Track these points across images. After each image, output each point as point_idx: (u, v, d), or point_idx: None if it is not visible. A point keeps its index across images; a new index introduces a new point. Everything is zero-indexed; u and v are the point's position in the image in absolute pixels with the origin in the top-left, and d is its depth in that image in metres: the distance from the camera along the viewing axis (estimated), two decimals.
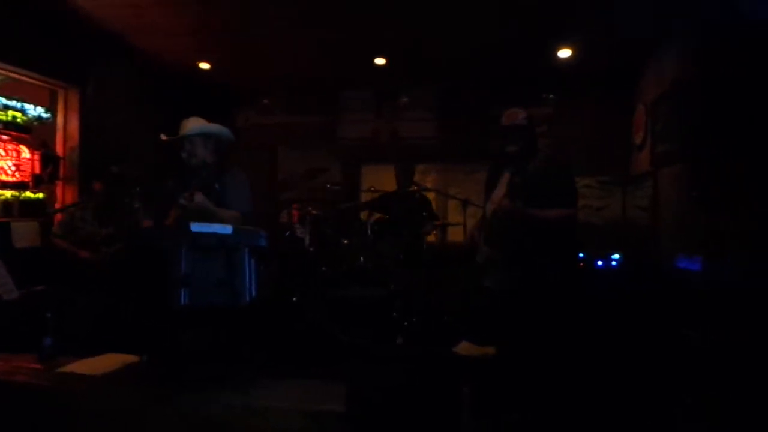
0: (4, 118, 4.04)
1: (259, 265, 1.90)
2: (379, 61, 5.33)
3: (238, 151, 2.94)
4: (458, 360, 3.10)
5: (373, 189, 4.69)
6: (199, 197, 2.35)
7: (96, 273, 3.33)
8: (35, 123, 4.34)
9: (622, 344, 3.06)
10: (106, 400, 1.97)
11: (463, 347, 3.32)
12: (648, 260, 4.19)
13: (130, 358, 2.22)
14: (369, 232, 4.28)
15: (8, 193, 4.06)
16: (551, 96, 6.00)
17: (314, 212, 4.42)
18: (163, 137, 2.65)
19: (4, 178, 4.07)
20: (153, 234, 1.90)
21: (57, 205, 4.55)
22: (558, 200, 2.43)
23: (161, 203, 2.62)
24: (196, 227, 1.80)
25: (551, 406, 2.29)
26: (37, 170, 4.32)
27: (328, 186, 5.46)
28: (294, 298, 3.96)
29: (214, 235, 1.82)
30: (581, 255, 4.22)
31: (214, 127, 2.68)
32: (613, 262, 4.10)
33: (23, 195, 4.18)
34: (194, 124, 2.65)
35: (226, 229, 1.86)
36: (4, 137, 4.07)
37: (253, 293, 1.86)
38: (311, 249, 4.28)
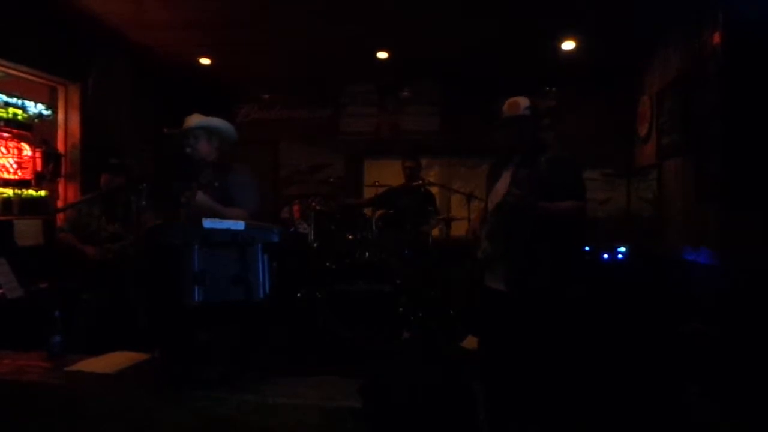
0: (4, 115, 4.00)
1: (271, 260, 1.88)
2: (382, 55, 5.29)
3: (239, 146, 2.91)
4: (466, 355, 3.11)
5: (377, 184, 4.67)
6: (200, 196, 2.32)
7: (102, 270, 3.30)
8: (36, 120, 4.29)
9: (631, 337, 3.05)
10: (117, 399, 1.95)
11: (470, 342, 3.31)
12: (654, 252, 4.17)
13: (140, 356, 2.19)
14: (374, 227, 4.26)
15: (10, 191, 4.03)
16: (554, 88, 5.97)
17: (318, 207, 4.39)
18: (166, 130, 2.62)
19: (5, 175, 4.03)
20: (165, 231, 1.86)
21: (59, 203, 4.52)
22: (566, 193, 2.33)
23: (168, 203, 2.59)
24: (208, 223, 1.77)
25: (560, 402, 2.27)
26: (39, 168, 4.29)
27: (331, 180, 5.45)
28: (298, 294, 3.94)
29: (227, 231, 1.79)
30: (587, 248, 4.21)
31: (217, 122, 2.65)
32: (620, 255, 4.09)
33: (25, 193, 4.14)
34: (198, 118, 2.62)
35: (239, 225, 1.83)
36: (5, 135, 4.03)
37: (267, 289, 1.84)
38: (315, 245, 4.26)
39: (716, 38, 3.51)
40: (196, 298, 1.74)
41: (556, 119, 5.74)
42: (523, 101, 2.42)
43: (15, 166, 4.10)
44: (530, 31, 4.62)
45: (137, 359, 2.15)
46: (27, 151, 4.20)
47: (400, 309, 3.85)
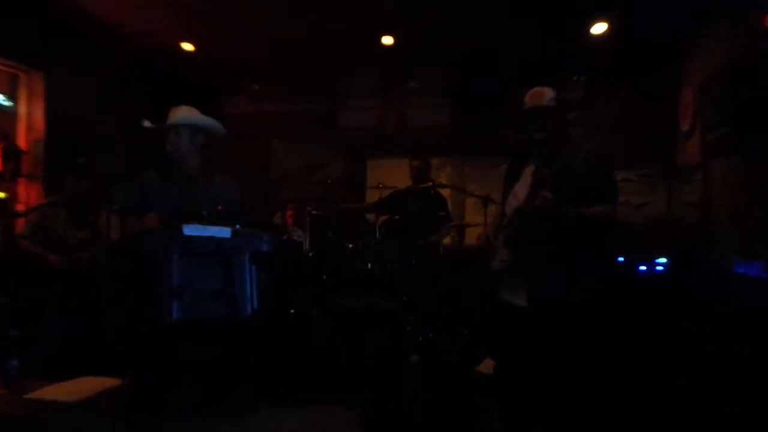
0: None
1: (260, 272, 1.87)
2: (387, 40, 5.29)
3: (225, 143, 2.91)
4: (482, 381, 3.08)
5: (381, 186, 4.66)
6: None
7: (68, 282, 3.29)
8: None
9: (674, 364, 3.01)
10: (83, 430, 1.93)
11: (487, 365, 3.28)
12: (700, 265, 4.12)
13: (110, 382, 2.18)
14: (377, 234, 4.25)
15: None
16: (583, 78, 5.94)
17: (314, 212, 4.41)
18: (147, 124, 2.63)
19: None
20: (140, 238, 1.85)
21: (20, 206, 4.51)
22: (596, 196, 2.31)
23: (139, 196, 2.60)
24: (189, 230, 1.76)
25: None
26: None
27: (329, 182, 5.45)
28: (291, 311, 3.91)
29: (211, 239, 1.79)
30: (621, 259, 4.17)
31: (206, 120, 2.67)
32: (659, 267, 4.04)
33: None
34: (185, 113, 2.63)
35: (224, 232, 1.82)
36: None
37: (255, 305, 1.83)
38: (311, 254, 4.27)
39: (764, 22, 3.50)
40: (174, 314, 1.74)
41: (584, 112, 5.72)
42: (548, 91, 2.43)
43: None
44: (554, 10, 4.60)
45: (106, 385, 2.14)
46: None
47: (407, 328, 3.82)
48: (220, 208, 2.16)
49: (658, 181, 5.38)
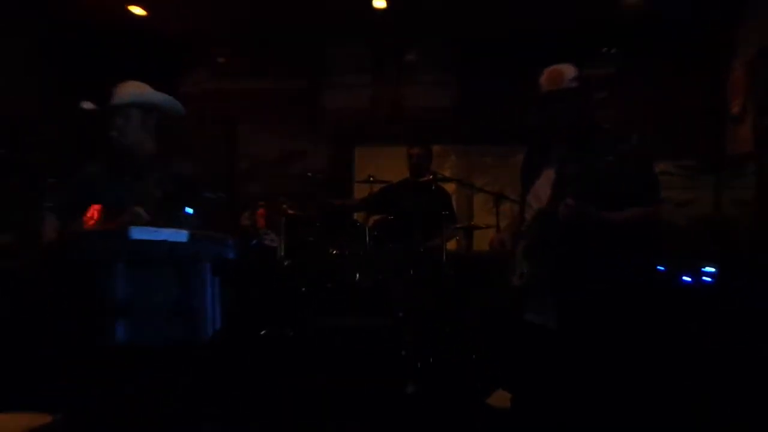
0: None
1: (225, 284, 1.86)
2: (379, 3, 5.28)
3: (182, 128, 2.91)
4: (494, 416, 3.10)
5: (372, 179, 4.68)
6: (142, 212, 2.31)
7: None
8: None
9: (726, 395, 3.03)
10: None
11: (499, 397, 3.30)
12: (755, 275, 4.15)
13: (38, 419, 2.16)
14: (367, 237, 4.25)
15: None
16: (613, 51, 5.98)
17: (290, 212, 4.43)
18: (87, 106, 2.60)
19: None
20: (77, 243, 1.84)
21: None
22: (632, 196, 2.34)
23: (81, 192, 2.57)
24: (137, 233, 1.75)
25: None
26: None
27: (309, 175, 5.45)
28: (262, 332, 3.92)
29: (164, 243, 1.78)
30: (661, 268, 4.19)
31: (159, 97, 2.65)
32: (707, 278, 4.06)
33: None
34: (134, 91, 2.60)
35: (180, 235, 1.81)
36: None
37: (218, 324, 1.82)
38: (286, 262, 4.29)
39: None
40: (119, 336, 1.71)
41: (615, 92, 5.73)
42: (569, 70, 2.43)
43: None
44: None
45: (33, 423, 2.12)
46: None
47: (403, 351, 3.84)
48: None
49: (703, 174, 5.42)
